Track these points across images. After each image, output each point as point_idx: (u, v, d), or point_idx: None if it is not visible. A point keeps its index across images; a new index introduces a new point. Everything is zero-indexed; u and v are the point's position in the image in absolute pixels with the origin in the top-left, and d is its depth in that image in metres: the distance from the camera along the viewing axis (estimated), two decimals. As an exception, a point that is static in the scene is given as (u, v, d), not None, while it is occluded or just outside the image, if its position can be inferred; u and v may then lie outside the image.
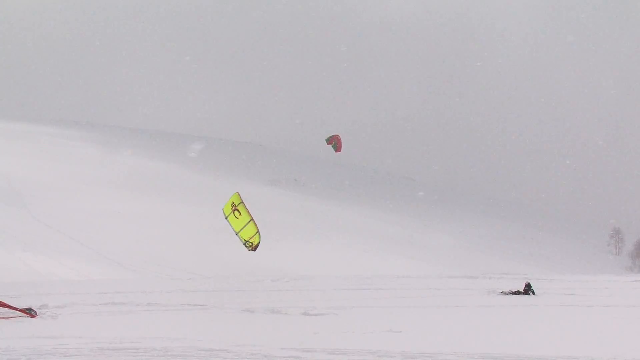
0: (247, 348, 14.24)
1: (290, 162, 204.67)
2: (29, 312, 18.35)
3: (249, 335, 16.11)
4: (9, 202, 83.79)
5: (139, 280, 42.90)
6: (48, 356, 13.28)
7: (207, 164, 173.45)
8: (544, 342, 15.75)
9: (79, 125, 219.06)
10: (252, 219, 16.62)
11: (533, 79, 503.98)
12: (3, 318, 17.80)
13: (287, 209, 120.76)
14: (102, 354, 13.50)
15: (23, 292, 24.49)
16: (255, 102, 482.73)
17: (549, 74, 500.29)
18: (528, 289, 26.47)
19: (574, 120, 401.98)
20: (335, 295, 25.53)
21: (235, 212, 16.62)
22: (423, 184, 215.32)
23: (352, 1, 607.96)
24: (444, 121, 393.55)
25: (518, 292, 26.52)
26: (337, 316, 19.70)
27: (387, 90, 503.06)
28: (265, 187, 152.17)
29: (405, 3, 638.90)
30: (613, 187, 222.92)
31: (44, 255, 55.17)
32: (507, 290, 27.10)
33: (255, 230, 16.59)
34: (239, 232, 16.67)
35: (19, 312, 18.18)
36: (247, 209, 16.63)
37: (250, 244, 16.67)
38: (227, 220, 16.81)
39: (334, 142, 22.66)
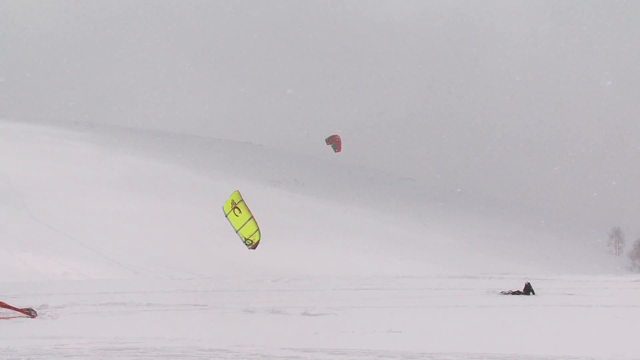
0: (247, 348, 14.24)
1: (290, 162, 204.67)
2: (29, 312, 18.35)
3: (249, 335, 16.11)
4: (9, 202, 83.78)
5: (138, 280, 42.90)
6: (48, 356, 13.27)
7: (207, 164, 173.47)
8: (544, 342, 15.75)
9: (79, 125, 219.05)
10: (252, 217, 16.62)
11: (533, 78, 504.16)
12: (3, 318, 17.79)
13: (287, 209, 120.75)
14: (102, 354, 13.50)
15: (23, 292, 24.50)
16: (255, 102, 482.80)
17: (548, 74, 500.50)
18: (528, 289, 26.47)
19: (574, 120, 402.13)
20: (335, 295, 25.54)
21: (235, 210, 16.62)
22: (423, 184, 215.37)
23: (352, 1, 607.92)
24: (444, 121, 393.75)
25: (518, 292, 26.53)
26: (337, 316, 19.70)
27: (387, 90, 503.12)
28: (265, 187, 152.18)
29: (405, 3, 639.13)
30: (613, 187, 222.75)
31: (44, 255, 55.16)
32: (507, 290, 27.11)
33: (255, 228, 16.59)
34: (239, 230, 16.67)
35: (19, 312, 18.18)
36: (247, 206, 16.64)
37: (250, 242, 16.66)
38: (227, 218, 16.81)
39: (334, 142, 22.66)
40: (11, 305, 18.58)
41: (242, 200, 16.70)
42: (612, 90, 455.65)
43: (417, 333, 17.01)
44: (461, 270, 77.50)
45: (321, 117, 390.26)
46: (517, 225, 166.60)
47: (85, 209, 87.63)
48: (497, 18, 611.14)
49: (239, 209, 16.56)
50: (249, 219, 16.58)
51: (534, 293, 26.38)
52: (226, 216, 16.79)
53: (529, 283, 27.00)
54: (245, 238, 16.66)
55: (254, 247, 16.75)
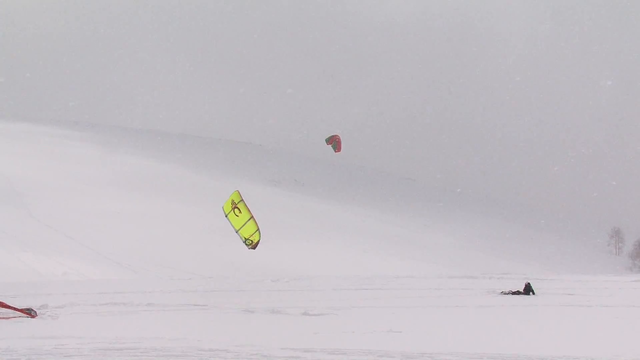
0: (247, 348, 14.24)
1: (290, 162, 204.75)
2: (29, 312, 18.35)
3: (249, 335, 16.11)
4: (9, 202, 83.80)
5: (138, 280, 42.91)
6: (48, 356, 13.27)
7: (207, 164, 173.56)
8: (544, 342, 15.75)
9: (79, 125, 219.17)
10: (252, 217, 16.61)
11: (533, 78, 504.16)
12: (3, 318, 17.79)
13: (287, 209, 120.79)
14: (102, 354, 13.50)
15: (23, 292, 24.50)
16: (255, 102, 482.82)
17: (548, 74, 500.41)
18: (528, 289, 26.48)
19: (574, 120, 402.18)
20: (335, 295, 25.54)
21: (235, 210, 16.62)
22: (423, 184, 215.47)
23: (352, 1, 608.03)
24: (444, 121, 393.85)
25: (518, 292, 26.53)
26: (337, 316, 19.70)
27: (387, 90, 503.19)
28: (265, 187, 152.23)
29: (405, 3, 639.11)
30: (613, 187, 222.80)
31: (44, 255, 55.17)
32: (507, 290, 27.11)
33: (255, 228, 16.58)
34: (239, 230, 16.66)
35: (19, 312, 18.17)
36: (247, 206, 16.63)
37: (250, 242, 16.66)
38: (227, 218, 16.80)
39: (334, 142, 22.66)
40: (11, 305, 18.58)
41: (242, 200, 16.70)
42: (612, 90, 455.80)
43: (417, 333, 17.01)
44: (461, 270, 77.52)
45: (321, 117, 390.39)
46: (517, 225, 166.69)
47: (85, 209, 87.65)
48: (497, 18, 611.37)
49: (239, 209, 16.56)
50: (249, 219, 16.58)
51: (534, 293, 26.39)
52: (226, 216, 16.78)
53: (529, 283, 27.00)
54: (245, 238, 16.65)
55: (254, 247, 16.74)
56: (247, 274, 50.51)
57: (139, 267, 59.59)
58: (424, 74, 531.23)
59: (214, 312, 20.53)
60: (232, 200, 16.69)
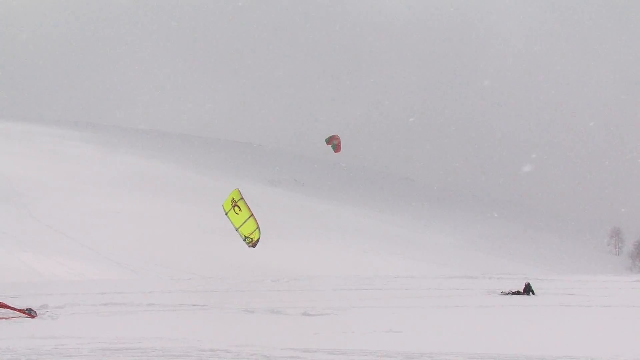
0: (247, 348, 14.24)
1: (290, 162, 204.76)
2: (29, 312, 18.34)
3: (249, 336, 16.10)
4: (9, 202, 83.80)
5: (138, 280, 42.89)
6: (48, 356, 13.27)
7: (207, 164, 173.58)
8: (544, 342, 15.74)
9: (79, 125, 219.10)
10: (252, 215, 16.60)
11: (533, 78, 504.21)
12: (3, 318, 17.78)
13: (287, 209, 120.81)
14: (102, 354, 13.50)
15: (23, 292, 24.47)
16: (256, 102, 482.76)
17: (548, 74, 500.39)
18: (528, 289, 26.46)
19: (574, 120, 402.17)
20: (335, 295, 25.52)
21: (235, 208, 16.62)
22: (423, 184, 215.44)
23: (351, 1, 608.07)
24: (444, 121, 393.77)
25: (518, 292, 26.51)
26: (337, 316, 19.69)
27: (387, 91, 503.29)
28: (265, 187, 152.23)
29: (405, 3, 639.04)
30: (613, 187, 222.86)
31: (44, 256, 55.15)
32: (507, 291, 27.09)
33: (256, 226, 16.57)
34: (239, 227, 16.65)
35: (19, 313, 18.17)
36: (247, 205, 16.62)
37: (250, 240, 16.65)
38: (227, 216, 16.79)
39: (334, 143, 22.67)
40: (11, 305, 18.57)
41: (242, 198, 16.69)
42: (612, 90, 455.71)
43: (417, 333, 17.01)
44: (461, 270, 77.54)
45: (321, 117, 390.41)
46: (517, 225, 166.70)
47: (85, 209, 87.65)
48: (497, 18, 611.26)
49: (239, 207, 16.56)
50: (249, 217, 16.57)
51: (534, 293, 26.37)
52: (226, 214, 16.77)
53: (529, 283, 26.98)
54: (245, 236, 16.65)
55: (253, 245, 16.73)
56: (247, 274, 50.50)
57: (139, 267, 59.57)
58: (424, 74, 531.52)
59: (214, 312, 20.52)
60: (232, 199, 16.69)
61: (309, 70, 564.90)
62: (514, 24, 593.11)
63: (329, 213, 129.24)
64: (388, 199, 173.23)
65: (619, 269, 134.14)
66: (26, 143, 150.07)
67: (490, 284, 30.93)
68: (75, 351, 13.74)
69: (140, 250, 68.38)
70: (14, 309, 18.25)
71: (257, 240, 16.67)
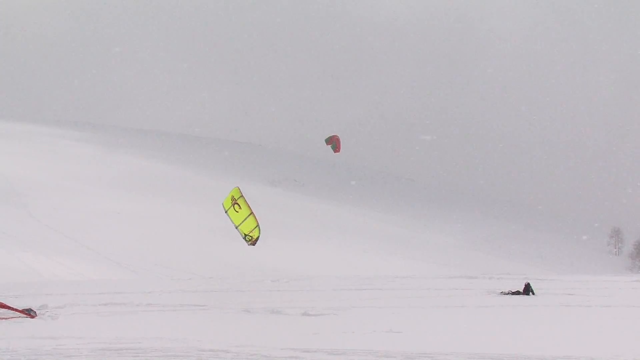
0: (247, 348, 14.24)
1: (290, 162, 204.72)
2: (29, 312, 18.33)
3: (249, 336, 16.10)
4: (8, 202, 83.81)
5: (138, 280, 42.90)
6: (47, 357, 13.27)
7: (207, 164, 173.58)
8: (544, 342, 15.74)
9: (78, 125, 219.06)
10: (251, 213, 16.59)
11: (533, 78, 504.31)
12: (2, 318, 17.77)
13: (287, 209, 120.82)
14: (101, 355, 13.49)
15: (22, 292, 24.47)
16: (255, 102, 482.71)
17: (548, 74, 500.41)
18: (528, 289, 26.45)
19: (574, 120, 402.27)
20: (335, 295, 25.50)
21: (235, 205, 16.61)
22: (423, 184, 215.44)
23: (351, 1, 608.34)
24: (444, 121, 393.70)
25: (518, 293, 26.50)
26: (337, 316, 19.68)
27: (387, 91, 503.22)
28: (265, 187, 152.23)
29: (405, 3, 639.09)
30: (613, 187, 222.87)
31: (44, 256, 55.15)
32: (506, 291, 27.07)
33: (255, 224, 16.55)
34: (239, 225, 16.63)
35: (19, 313, 18.16)
36: (247, 202, 16.62)
37: (250, 238, 16.64)
38: (227, 214, 16.78)
39: (333, 143, 22.66)
40: (11, 305, 18.56)
41: (242, 196, 16.68)
42: (612, 90, 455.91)
43: (417, 333, 17.00)
44: (461, 270, 77.56)
45: (321, 117, 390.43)
46: (517, 225, 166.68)
47: (85, 209, 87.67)
48: (496, 18, 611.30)
49: (239, 205, 16.55)
50: (249, 215, 16.56)
51: (533, 293, 26.36)
52: (226, 212, 16.76)
53: (528, 283, 26.97)
54: (245, 234, 16.64)
55: (253, 244, 16.72)
56: (247, 274, 50.51)
57: (139, 267, 59.58)
58: (424, 74, 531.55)
59: (214, 312, 20.51)
60: (232, 196, 16.68)
61: (309, 71, 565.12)
62: (514, 24, 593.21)
63: (329, 213, 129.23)
64: (388, 199, 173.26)
65: (619, 269, 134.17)
66: (26, 143, 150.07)
67: (490, 284, 30.91)
68: (75, 351, 13.74)
69: (140, 250, 68.39)
70: (14, 309, 18.24)
71: (257, 238, 16.66)
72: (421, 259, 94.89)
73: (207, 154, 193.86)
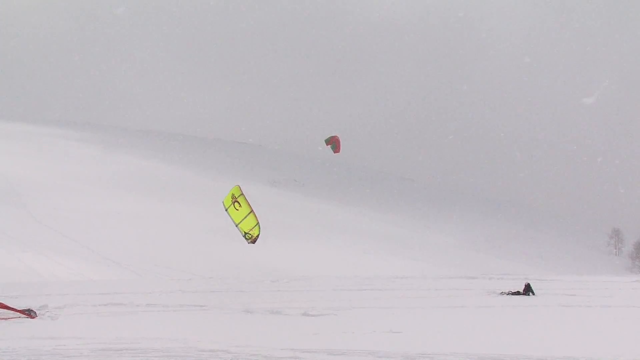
0: (247, 349, 14.24)
1: (290, 162, 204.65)
2: (29, 312, 18.34)
3: (249, 336, 16.10)
4: (8, 202, 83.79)
5: (138, 280, 42.91)
6: (47, 357, 13.27)
7: (207, 164, 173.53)
8: (544, 342, 15.74)
9: (78, 125, 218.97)
10: (252, 211, 16.59)
11: (533, 78, 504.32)
12: (3, 319, 17.78)
13: (287, 209, 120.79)
14: (101, 355, 13.50)
15: (22, 292, 24.48)
16: (255, 102, 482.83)
17: (548, 74, 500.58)
18: (528, 290, 26.46)
19: (574, 119, 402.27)
20: (335, 295, 25.52)
21: (235, 204, 16.61)
22: (423, 184, 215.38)
23: (351, 1, 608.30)
24: (444, 121, 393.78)
25: (518, 293, 26.52)
26: (337, 317, 19.69)
27: (387, 91, 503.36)
28: (265, 187, 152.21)
29: (404, 3, 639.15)
30: (612, 187, 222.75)
31: (44, 256, 55.13)
32: (506, 291, 27.10)
33: (255, 222, 16.55)
34: (239, 224, 16.64)
35: (19, 313, 18.16)
36: (247, 201, 16.62)
37: (250, 236, 16.64)
38: (227, 212, 16.78)
39: (333, 143, 22.66)
40: (11, 306, 18.56)
41: (242, 194, 16.68)
42: (612, 90, 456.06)
43: (417, 333, 17.01)
44: (461, 270, 77.57)
45: (321, 117, 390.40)
46: (517, 225, 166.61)
47: (85, 209, 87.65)
48: (496, 17, 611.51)
49: (239, 203, 16.56)
50: (249, 213, 16.57)
51: (533, 293, 26.37)
52: (226, 210, 16.76)
53: (528, 283, 26.99)
54: (245, 232, 16.64)
55: (253, 242, 16.72)
56: (247, 274, 50.51)
57: (138, 267, 59.56)
58: (424, 74, 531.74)
59: (214, 312, 20.52)
60: (232, 195, 16.69)
61: (309, 70, 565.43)
62: (514, 24, 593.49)
63: (329, 213, 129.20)
64: (388, 199, 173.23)
65: (619, 269, 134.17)
66: (26, 143, 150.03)
67: (490, 284, 30.94)
68: (75, 352, 13.74)
69: (140, 251, 68.37)
70: (14, 310, 18.25)
71: (257, 237, 16.67)
72: (421, 259, 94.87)
73: (207, 154, 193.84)
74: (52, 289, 26.77)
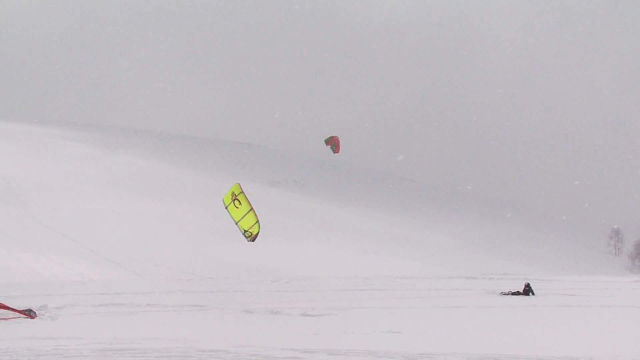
0: (247, 349, 14.23)
1: (290, 163, 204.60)
2: (29, 313, 18.33)
3: (249, 336, 16.10)
4: (8, 202, 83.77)
5: (138, 281, 42.88)
6: (47, 357, 13.27)
7: (207, 164, 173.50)
8: (544, 342, 15.74)
9: (78, 126, 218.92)
10: (252, 209, 16.60)
11: (533, 78, 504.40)
12: (2, 319, 17.77)
13: (287, 209, 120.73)
14: (101, 355, 13.49)
15: (22, 292, 24.47)
16: (255, 102, 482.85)
17: (548, 74, 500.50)
18: (528, 290, 26.45)
19: (574, 119, 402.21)
20: (335, 295, 25.51)
21: (235, 201, 16.62)
22: (423, 184, 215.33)
23: (350, 1, 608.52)
24: (444, 121, 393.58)
25: (518, 293, 26.51)
26: (337, 317, 19.69)
27: (387, 91, 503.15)
28: (265, 187, 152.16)
29: (404, 3, 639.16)
30: (612, 187, 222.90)
31: (44, 256, 55.11)
32: (506, 291, 27.08)
33: (255, 220, 16.56)
34: (239, 221, 16.64)
35: (19, 313, 18.16)
36: (247, 199, 16.63)
37: (250, 234, 16.64)
38: (227, 210, 16.79)
39: (333, 144, 22.67)
40: (11, 306, 18.56)
41: (242, 192, 16.69)
42: (612, 90, 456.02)
43: (417, 333, 17.01)
44: (461, 270, 77.58)
45: (321, 117, 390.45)
46: (517, 225, 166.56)
47: (85, 209, 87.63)
48: (496, 17, 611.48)
49: (239, 201, 16.57)
50: (249, 211, 16.57)
51: (533, 294, 26.36)
52: (226, 208, 16.77)
53: (528, 283, 26.98)
54: (244, 230, 16.64)
55: (253, 240, 16.72)
56: (246, 274, 50.52)
57: (138, 267, 59.54)
58: (423, 74, 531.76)
59: (214, 312, 20.52)
60: (232, 192, 16.70)
61: (309, 71, 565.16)
62: (513, 23, 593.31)
63: (329, 213, 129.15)
64: (388, 199, 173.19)
65: (619, 269, 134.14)
66: (26, 143, 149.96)
67: (490, 284, 30.92)
68: (75, 352, 13.74)
69: (140, 251, 68.36)
70: (14, 310, 18.25)
71: (257, 235, 16.67)
72: (421, 259, 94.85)
73: (207, 154, 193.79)
74: (51, 289, 26.77)
